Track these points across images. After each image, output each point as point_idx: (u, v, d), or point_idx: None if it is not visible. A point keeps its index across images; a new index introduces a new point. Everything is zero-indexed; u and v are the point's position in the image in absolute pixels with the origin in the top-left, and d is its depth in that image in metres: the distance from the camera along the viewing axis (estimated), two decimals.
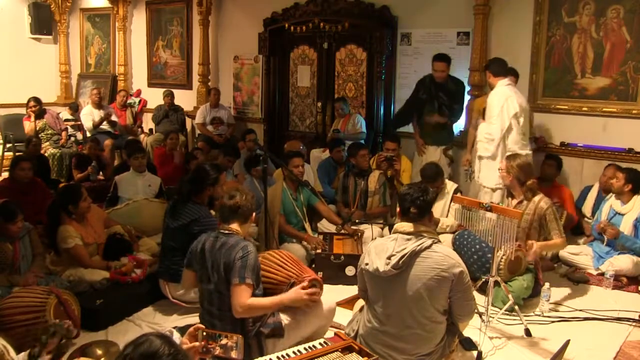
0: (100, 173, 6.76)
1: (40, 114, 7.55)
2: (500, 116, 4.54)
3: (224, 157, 6.04)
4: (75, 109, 8.17)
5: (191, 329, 2.09)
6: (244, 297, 2.67)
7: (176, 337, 2.53)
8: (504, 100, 4.54)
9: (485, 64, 5.13)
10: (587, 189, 5.19)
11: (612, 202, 4.67)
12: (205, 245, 2.89)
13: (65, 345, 2.64)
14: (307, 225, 4.76)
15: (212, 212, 3.96)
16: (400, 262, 2.61)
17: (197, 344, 2.03)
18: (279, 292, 2.92)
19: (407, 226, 2.72)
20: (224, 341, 2.07)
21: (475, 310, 2.92)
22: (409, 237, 2.68)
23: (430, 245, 2.65)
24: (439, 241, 2.73)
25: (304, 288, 2.85)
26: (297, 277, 2.95)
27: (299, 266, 3.07)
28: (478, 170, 4.83)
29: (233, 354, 2.07)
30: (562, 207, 4.83)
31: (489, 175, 4.65)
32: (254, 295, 2.73)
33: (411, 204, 2.71)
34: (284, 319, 2.86)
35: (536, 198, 3.96)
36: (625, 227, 4.49)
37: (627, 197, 4.56)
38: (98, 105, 7.83)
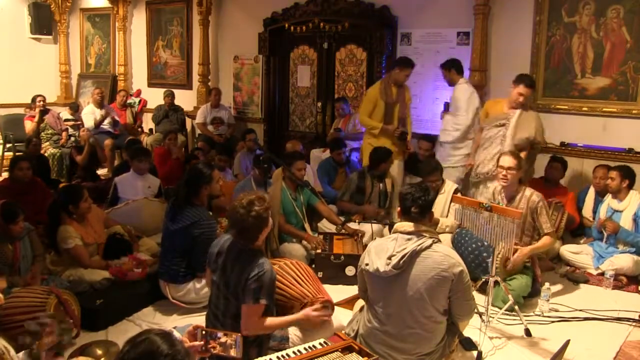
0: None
1: (44, 112, 7.56)
2: (467, 109, 5.19)
3: (217, 156, 6.04)
4: (75, 109, 8.18)
5: (190, 327, 2.09)
6: (255, 318, 2.62)
7: (176, 337, 2.53)
8: (469, 94, 5.24)
9: (447, 64, 5.46)
10: (584, 192, 5.19)
11: (609, 201, 4.70)
12: (223, 249, 2.83)
13: (64, 346, 2.64)
14: (307, 226, 4.75)
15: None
16: (401, 262, 2.61)
17: (196, 343, 2.02)
18: (290, 307, 2.88)
19: (408, 226, 2.72)
20: (223, 339, 2.06)
21: (475, 310, 2.92)
22: (409, 236, 2.68)
23: (431, 245, 2.65)
24: (439, 241, 2.73)
25: (314, 310, 2.81)
26: (312, 297, 2.91)
27: (314, 284, 3.03)
28: (447, 156, 5.34)
29: (232, 352, 2.06)
30: (564, 207, 4.83)
31: (451, 156, 5.30)
32: (267, 311, 2.68)
33: (413, 204, 2.70)
34: (292, 334, 2.83)
35: (527, 192, 3.96)
36: (625, 223, 4.51)
37: (624, 194, 4.60)
38: (100, 104, 7.83)
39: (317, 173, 6.03)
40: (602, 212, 4.70)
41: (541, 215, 3.89)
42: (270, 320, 2.69)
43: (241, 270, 2.68)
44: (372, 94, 5.49)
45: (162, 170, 6.09)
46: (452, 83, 5.44)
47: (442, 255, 2.63)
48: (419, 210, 2.70)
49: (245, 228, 2.70)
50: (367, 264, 2.75)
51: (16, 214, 3.65)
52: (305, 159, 5.80)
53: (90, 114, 7.74)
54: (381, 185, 5.15)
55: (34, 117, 7.53)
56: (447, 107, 5.55)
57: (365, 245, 4.52)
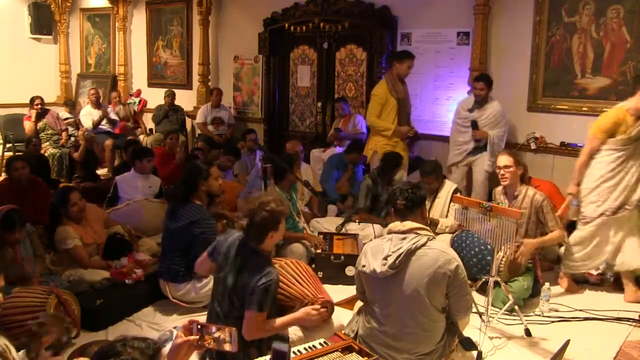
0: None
1: (42, 113, 7.56)
2: (505, 119, 5.09)
3: (224, 156, 6.02)
4: (71, 105, 8.19)
5: (185, 322, 2.07)
6: (257, 325, 2.63)
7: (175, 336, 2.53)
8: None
9: (489, 80, 5.32)
10: None
11: None
12: (231, 248, 2.80)
13: (64, 343, 2.64)
14: (304, 225, 4.75)
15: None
16: (397, 261, 2.61)
17: (191, 337, 2.02)
18: (290, 307, 2.89)
19: (401, 225, 2.72)
20: (217, 334, 2.05)
21: (473, 308, 2.92)
22: (403, 236, 2.68)
23: (426, 243, 2.65)
24: (434, 238, 2.73)
25: (314, 309, 2.82)
26: (313, 297, 2.92)
27: (315, 284, 3.04)
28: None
29: (226, 347, 2.05)
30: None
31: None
32: (268, 317, 2.68)
33: (400, 196, 2.71)
34: (292, 334, 2.83)
35: (530, 192, 3.97)
36: None
37: None
38: (96, 105, 7.84)
39: (325, 165, 5.99)
40: None
41: (547, 214, 3.91)
42: (271, 324, 2.70)
43: (250, 275, 2.67)
44: (380, 93, 5.40)
45: (162, 170, 6.09)
46: (485, 99, 5.31)
47: (438, 251, 2.64)
48: (405, 202, 2.70)
49: (256, 222, 2.71)
50: (363, 266, 2.75)
51: (14, 223, 3.62)
52: (305, 159, 5.81)
53: (87, 115, 7.76)
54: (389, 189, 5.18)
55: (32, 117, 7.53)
56: (475, 125, 5.31)
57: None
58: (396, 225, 2.75)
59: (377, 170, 5.19)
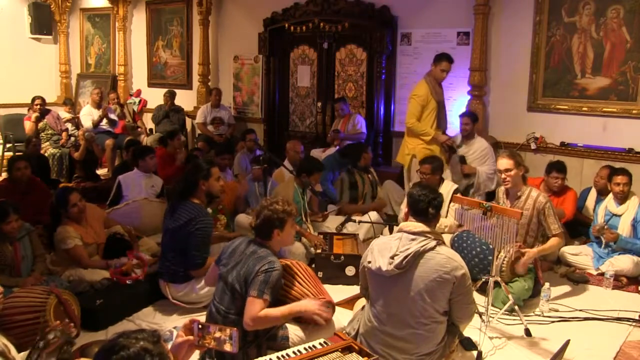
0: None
1: (43, 113, 7.55)
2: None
3: (217, 157, 6.00)
4: (70, 103, 8.19)
5: (186, 321, 2.07)
6: (256, 311, 2.64)
7: (176, 336, 2.52)
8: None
9: (475, 116, 5.47)
10: (586, 192, 5.19)
11: (607, 204, 4.65)
12: (239, 246, 2.88)
13: (67, 351, 2.63)
14: (308, 225, 4.77)
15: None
16: (404, 262, 2.61)
17: (191, 337, 2.01)
18: None
19: (413, 226, 2.71)
20: (217, 334, 2.04)
21: (475, 312, 2.91)
22: (413, 237, 2.67)
23: (434, 247, 2.64)
24: (443, 242, 2.72)
25: (319, 311, 2.81)
26: (314, 298, 2.92)
27: (316, 285, 3.05)
28: None
29: (227, 347, 2.04)
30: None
31: None
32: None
33: (429, 205, 2.71)
34: (293, 335, 2.83)
35: (533, 193, 3.96)
36: (623, 227, 4.48)
37: (623, 198, 4.57)
38: (98, 105, 7.84)
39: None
40: (600, 214, 4.66)
41: (549, 217, 3.88)
42: (270, 311, 2.70)
43: (254, 263, 2.73)
44: (422, 94, 5.17)
45: (163, 172, 6.05)
46: (471, 134, 5.41)
47: (445, 257, 2.63)
48: (435, 211, 2.72)
49: (261, 218, 2.82)
50: (369, 262, 2.75)
51: (7, 213, 3.59)
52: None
53: (87, 115, 7.75)
54: (369, 176, 5.43)
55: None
56: (464, 160, 5.33)
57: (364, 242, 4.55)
58: (407, 225, 2.74)
59: (349, 163, 5.45)
